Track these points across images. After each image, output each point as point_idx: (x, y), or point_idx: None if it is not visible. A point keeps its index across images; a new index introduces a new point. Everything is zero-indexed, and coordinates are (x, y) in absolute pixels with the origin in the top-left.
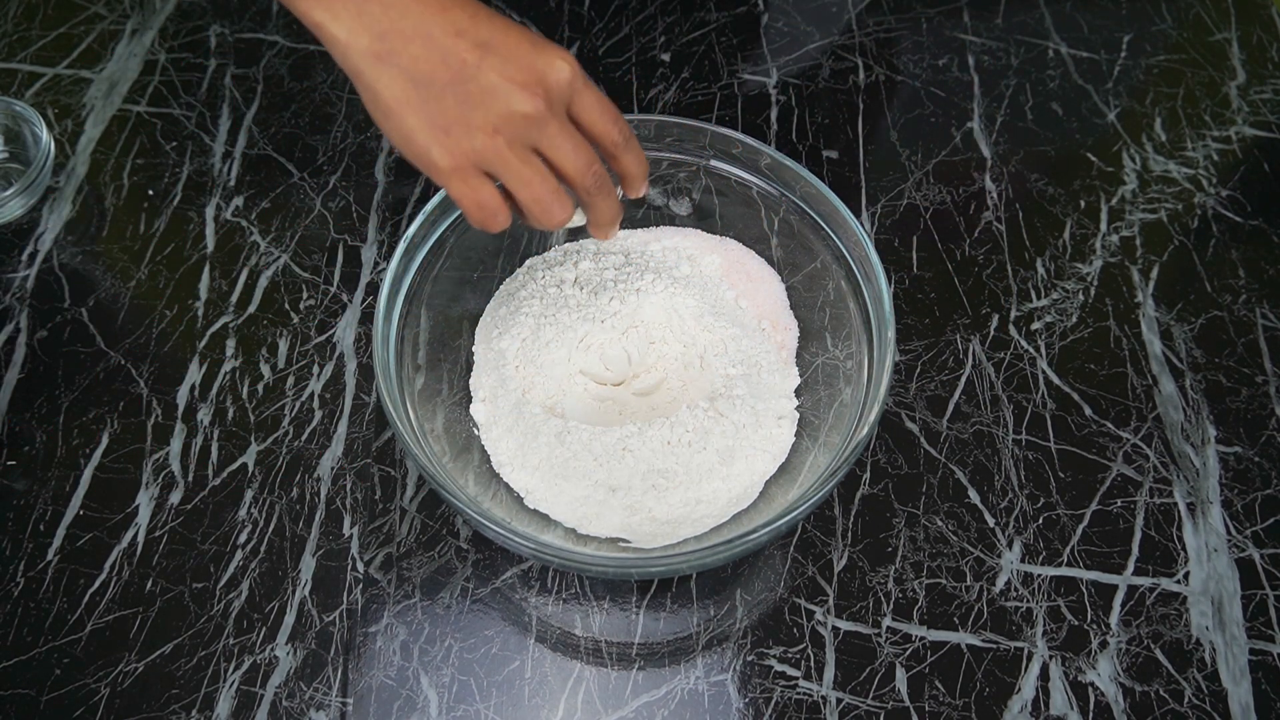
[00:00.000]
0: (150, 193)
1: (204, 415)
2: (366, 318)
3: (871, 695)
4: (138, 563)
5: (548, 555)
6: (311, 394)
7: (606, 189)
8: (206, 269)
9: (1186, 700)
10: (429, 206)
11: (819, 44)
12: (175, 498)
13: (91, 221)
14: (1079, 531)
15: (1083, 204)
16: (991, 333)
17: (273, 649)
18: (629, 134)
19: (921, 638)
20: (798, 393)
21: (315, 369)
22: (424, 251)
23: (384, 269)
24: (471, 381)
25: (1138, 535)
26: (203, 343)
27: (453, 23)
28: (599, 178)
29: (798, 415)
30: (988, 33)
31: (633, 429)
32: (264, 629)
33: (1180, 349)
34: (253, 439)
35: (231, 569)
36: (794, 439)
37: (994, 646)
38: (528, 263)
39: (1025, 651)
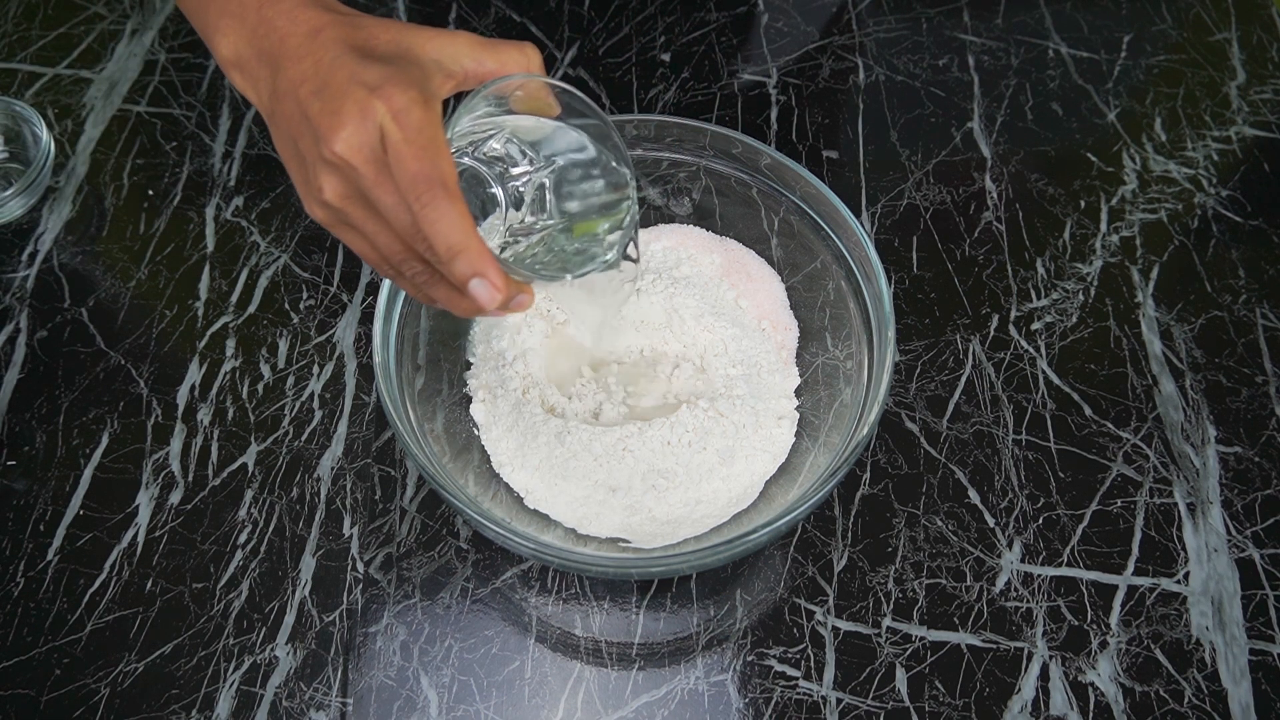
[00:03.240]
0: (150, 193)
1: (204, 415)
2: (366, 318)
3: (871, 695)
4: (138, 563)
5: (548, 555)
6: (311, 394)
7: (427, 199)
8: (206, 269)
9: (1186, 700)
10: None
11: (819, 44)
12: (175, 498)
13: (91, 221)
14: (1079, 531)
15: (1083, 204)
16: (991, 333)
17: (273, 649)
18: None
19: (921, 638)
20: (798, 393)
21: (315, 369)
22: None
23: None
24: (471, 381)
25: (1138, 535)
26: (203, 343)
27: (303, 73)
28: (418, 191)
29: (798, 415)
30: (988, 33)
31: (633, 429)
32: (264, 629)
33: (1180, 349)
34: (253, 439)
35: (231, 569)
36: (794, 439)
37: (994, 646)
38: None
39: (1025, 651)
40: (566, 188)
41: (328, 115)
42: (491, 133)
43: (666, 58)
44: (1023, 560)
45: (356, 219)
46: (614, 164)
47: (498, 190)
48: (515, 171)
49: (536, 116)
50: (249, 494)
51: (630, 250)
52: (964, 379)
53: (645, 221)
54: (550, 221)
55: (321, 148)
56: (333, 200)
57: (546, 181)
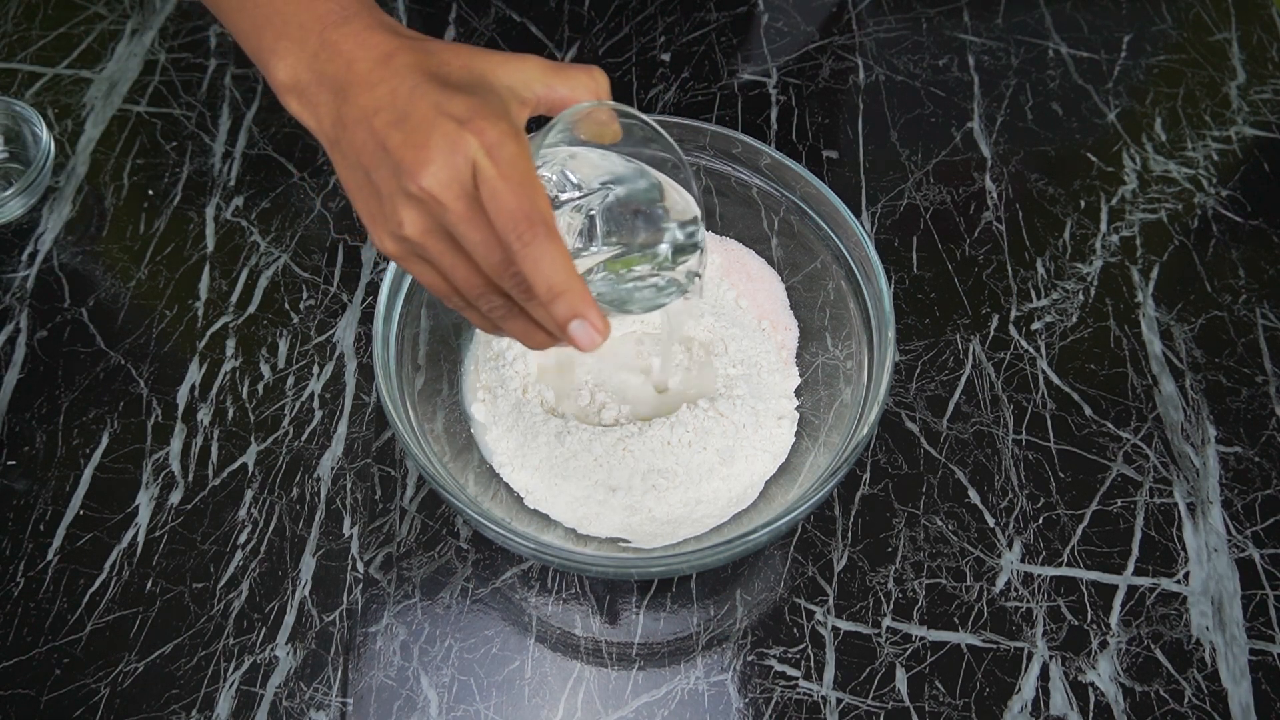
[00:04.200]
0: (150, 193)
1: (204, 415)
2: (366, 318)
3: (871, 695)
4: (138, 563)
5: (548, 555)
6: (311, 394)
7: (527, 237)
8: (206, 269)
9: (1186, 700)
10: None
11: (819, 44)
12: (175, 498)
13: (91, 221)
14: (1079, 531)
15: (1083, 204)
16: (991, 333)
17: (273, 649)
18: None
19: (921, 638)
20: (798, 393)
21: (315, 369)
22: None
23: (384, 269)
24: (471, 381)
25: (1138, 535)
26: (203, 343)
27: (377, 101)
28: (518, 227)
29: (798, 415)
30: (988, 33)
31: (633, 429)
32: (264, 629)
33: (1180, 349)
34: (253, 439)
35: (231, 569)
36: (794, 439)
37: (994, 646)
38: None
39: (1025, 651)
40: (616, 218)
41: (412, 148)
42: (546, 160)
43: (666, 58)
44: (1023, 560)
45: (434, 253)
46: (672, 193)
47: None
48: (564, 197)
49: (598, 145)
50: (249, 494)
51: (692, 279)
52: (964, 379)
53: None
54: (599, 251)
55: (405, 181)
56: (412, 235)
57: (596, 210)
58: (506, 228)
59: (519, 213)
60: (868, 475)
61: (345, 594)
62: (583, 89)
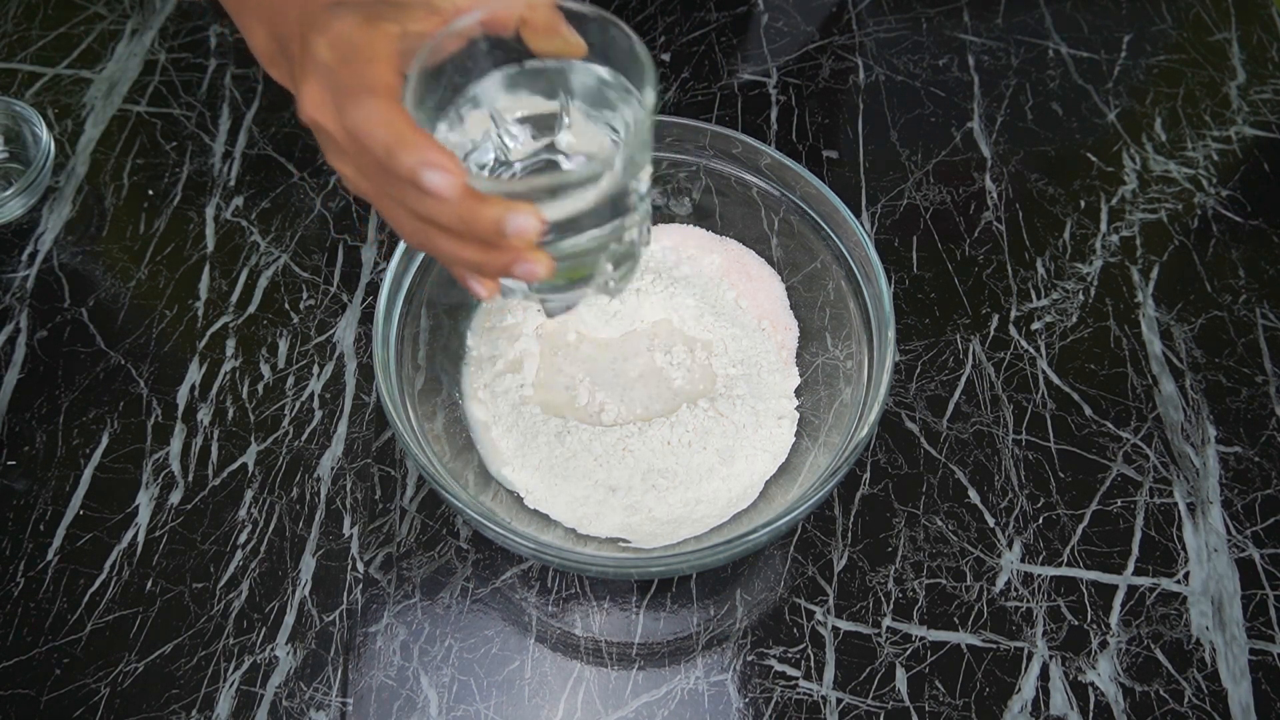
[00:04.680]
0: (150, 193)
1: (204, 415)
2: (366, 318)
3: (871, 695)
4: (138, 563)
5: (548, 555)
6: (311, 394)
7: (416, 229)
8: (206, 269)
9: (1186, 700)
10: None
11: (819, 44)
12: (175, 498)
13: (91, 221)
14: (1079, 531)
15: (1083, 204)
16: (991, 333)
17: (273, 649)
18: (349, 110)
19: (921, 638)
20: (798, 393)
21: (315, 369)
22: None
23: (384, 269)
24: (471, 381)
25: (1138, 535)
26: (203, 343)
27: (314, 22)
28: (386, 205)
29: (798, 415)
30: (988, 33)
31: (633, 429)
32: (264, 629)
33: (1180, 349)
34: (253, 439)
35: (231, 569)
36: (794, 439)
37: (994, 646)
38: None
39: (1025, 651)
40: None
41: (299, 75)
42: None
43: (666, 58)
44: (1023, 560)
45: (330, 154)
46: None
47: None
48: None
49: (557, 59)
50: (249, 494)
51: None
52: (964, 379)
53: None
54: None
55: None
56: (318, 129)
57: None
58: (338, 109)
59: (345, 88)
60: (868, 475)
61: (345, 594)
62: None
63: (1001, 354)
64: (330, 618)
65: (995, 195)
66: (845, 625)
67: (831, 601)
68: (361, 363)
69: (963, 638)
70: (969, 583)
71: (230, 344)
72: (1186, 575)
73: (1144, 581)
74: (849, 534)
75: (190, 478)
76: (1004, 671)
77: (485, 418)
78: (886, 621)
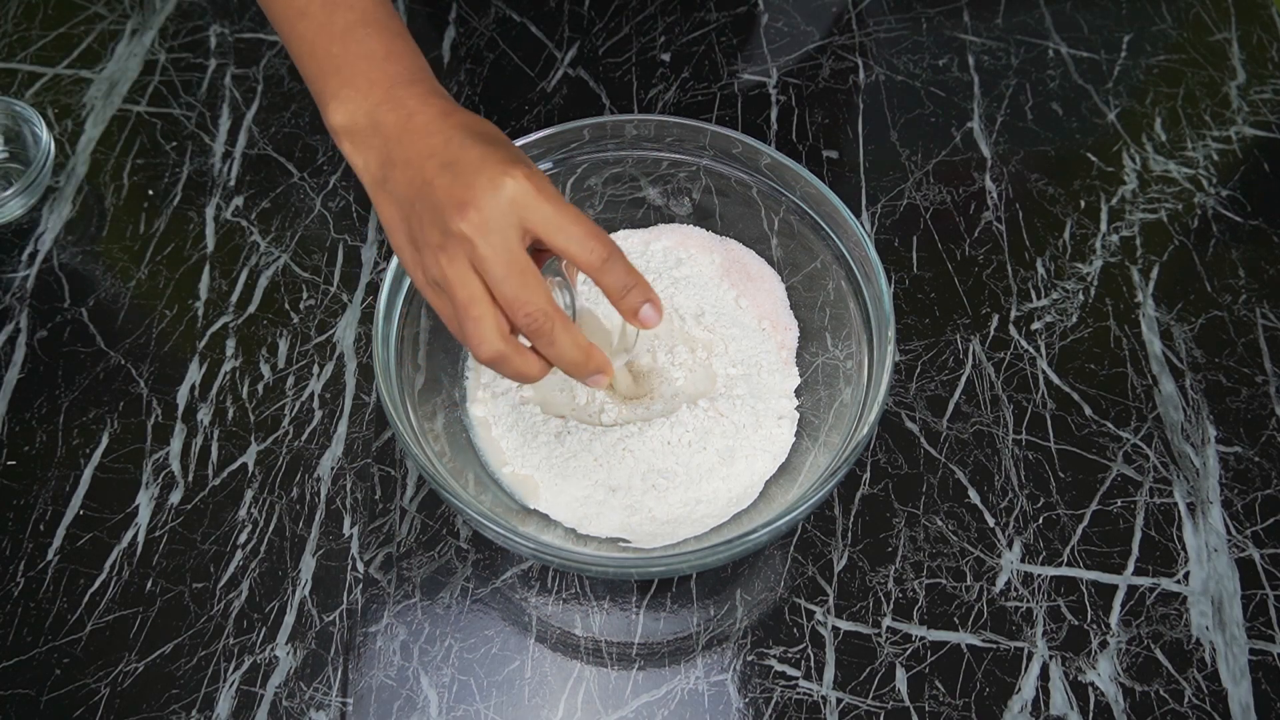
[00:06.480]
0: (150, 193)
1: (204, 415)
2: (366, 318)
3: (871, 695)
4: (138, 563)
5: (548, 555)
6: (311, 394)
7: (546, 330)
8: (206, 269)
9: (1186, 700)
10: None
11: (819, 44)
12: (175, 498)
13: (91, 221)
14: (1079, 531)
15: (1083, 204)
16: (991, 333)
17: (273, 649)
18: (606, 252)
19: (921, 638)
20: (798, 393)
21: (315, 369)
22: None
23: (384, 269)
24: (471, 381)
25: (1138, 535)
26: (203, 343)
27: (431, 147)
28: (536, 317)
29: (798, 415)
30: (988, 33)
31: (633, 429)
32: (264, 629)
33: (1180, 349)
34: (253, 439)
35: (231, 569)
36: (794, 439)
37: (994, 646)
38: None
39: (1025, 651)
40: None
41: (459, 188)
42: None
43: (666, 58)
44: (1023, 560)
45: (480, 253)
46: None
47: None
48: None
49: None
50: (249, 494)
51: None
52: (964, 379)
53: (645, 221)
54: None
55: (447, 220)
56: (460, 232)
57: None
58: (521, 314)
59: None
60: (868, 475)
61: (345, 594)
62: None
63: (1001, 354)
64: (330, 618)
65: (995, 195)
66: (845, 625)
67: (831, 601)
68: (361, 363)
69: (963, 638)
70: (969, 583)
71: (230, 344)
72: (1186, 575)
73: (1144, 581)
74: (849, 534)
75: (190, 478)
76: (1004, 671)
77: (485, 417)
78: (886, 621)
